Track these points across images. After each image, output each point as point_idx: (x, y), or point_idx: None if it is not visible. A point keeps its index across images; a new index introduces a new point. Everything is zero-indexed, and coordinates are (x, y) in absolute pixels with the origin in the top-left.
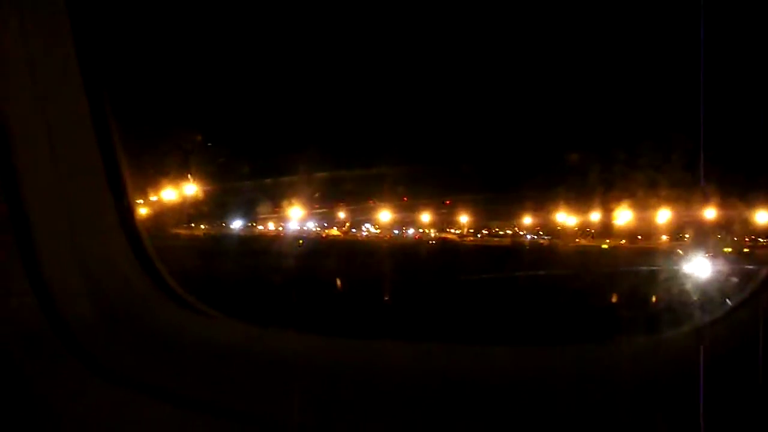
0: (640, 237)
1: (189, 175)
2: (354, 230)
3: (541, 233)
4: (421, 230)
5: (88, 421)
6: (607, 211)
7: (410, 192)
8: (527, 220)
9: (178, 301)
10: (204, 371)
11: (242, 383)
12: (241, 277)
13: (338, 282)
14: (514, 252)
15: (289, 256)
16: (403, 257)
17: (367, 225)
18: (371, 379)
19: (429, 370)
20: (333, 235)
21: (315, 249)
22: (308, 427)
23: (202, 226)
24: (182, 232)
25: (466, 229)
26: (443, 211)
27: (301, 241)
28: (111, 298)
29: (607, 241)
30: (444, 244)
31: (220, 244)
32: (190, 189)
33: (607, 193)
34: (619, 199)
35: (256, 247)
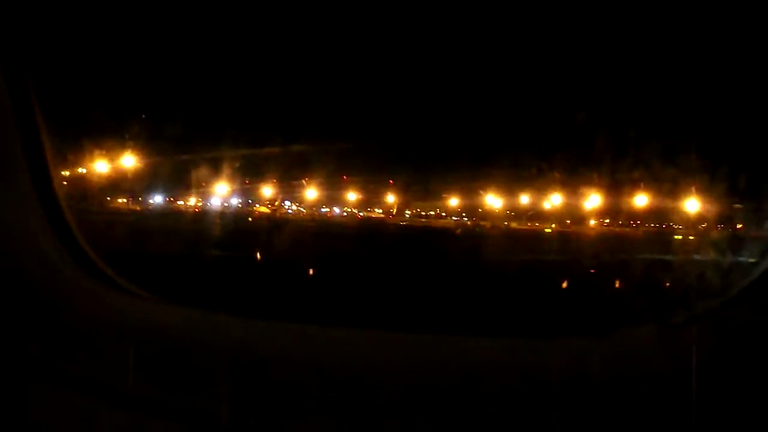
0: (569, 222)
1: (106, 149)
2: (284, 207)
3: (464, 215)
4: (347, 209)
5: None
6: (535, 195)
7: (337, 171)
8: (453, 201)
9: (103, 278)
10: (129, 357)
11: (173, 372)
12: (170, 255)
13: (272, 259)
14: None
15: (218, 233)
16: (339, 237)
17: (287, 203)
18: (326, 369)
19: (385, 361)
20: (262, 213)
21: (244, 227)
22: (240, 421)
23: (121, 200)
24: (103, 207)
25: (395, 209)
26: (369, 190)
27: (251, 218)
28: (29, 278)
29: (537, 223)
30: (376, 224)
31: (146, 220)
32: (102, 165)
33: (537, 177)
34: (548, 184)
35: (184, 224)
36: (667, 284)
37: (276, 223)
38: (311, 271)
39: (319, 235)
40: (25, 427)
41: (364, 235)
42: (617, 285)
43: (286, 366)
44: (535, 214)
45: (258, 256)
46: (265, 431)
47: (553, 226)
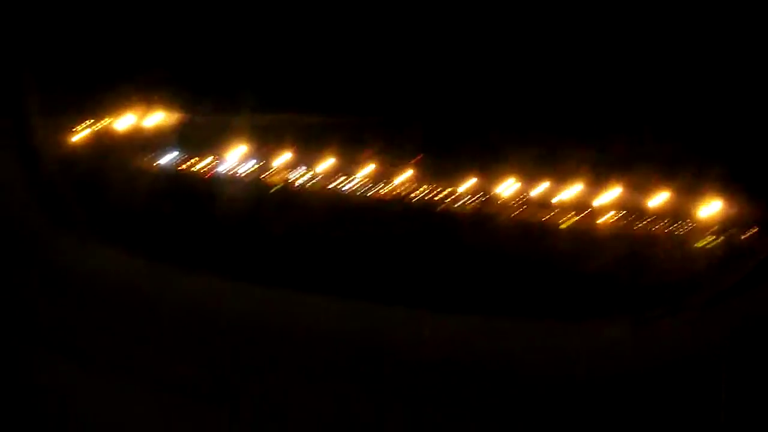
0: (582, 211)
1: (126, 107)
2: (291, 177)
3: (474, 199)
4: (362, 183)
5: None
6: (554, 182)
7: (354, 144)
8: (470, 182)
9: (81, 233)
10: (101, 314)
11: (147, 332)
12: (173, 217)
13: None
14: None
15: (229, 198)
16: (350, 210)
17: (301, 171)
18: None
19: (358, 331)
20: (275, 181)
21: (253, 194)
22: (206, 386)
23: (138, 158)
24: (115, 163)
25: (409, 186)
26: (386, 165)
27: (273, 189)
28: (6, 231)
29: (553, 211)
30: (391, 200)
31: (156, 179)
32: (122, 122)
33: (558, 165)
34: (567, 173)
35: (192, 184)
36: (655, 275)
37: (285, 190)
38: (307, 239)
39: (329, 206)
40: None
41: (378, 209)
42: (603, 272)
43: (265, 330)
44: (542, 201)
45: (254, 220)
46: (228, 393)
47: (570, 214)
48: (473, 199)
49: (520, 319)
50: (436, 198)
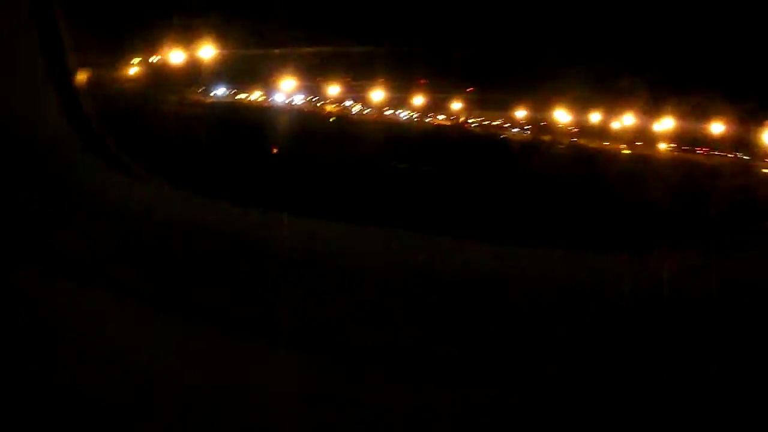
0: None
1: (172, 42)
2: (339, 109)
3: (529, 128)
4: (412, 114)
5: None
6: (606, 113)
7: (405, 75)
8: (520, 113)
9: (117, 164)
10: (129, 243)
11: (170, 258)
12: (211, 148)
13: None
14: None
15: (279, 130)
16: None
17: (352, 103)
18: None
19: (405, 262)
20: (331, 112)
21: (305, 126)
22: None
23: (187, 93)
24: (163, 96)
25: (462, 117)
26: (436, 96)
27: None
28: (42, 162)
29: (604, 142)
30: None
31: (204, 113)
32: (177, 55)
33: (610, 95)
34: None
35: (241, 117)
36: (724, 203)
37: (337, 121)
38: (348, 169)
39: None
40: (29, 315)
41: (429, 137)
42: (666, 204)
43: (288, 256)
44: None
45: (296, 151)
46: (259, 319)
47: (630, 144)
48: (529, 129)
49: (590, 251)
50: (493, 125)
